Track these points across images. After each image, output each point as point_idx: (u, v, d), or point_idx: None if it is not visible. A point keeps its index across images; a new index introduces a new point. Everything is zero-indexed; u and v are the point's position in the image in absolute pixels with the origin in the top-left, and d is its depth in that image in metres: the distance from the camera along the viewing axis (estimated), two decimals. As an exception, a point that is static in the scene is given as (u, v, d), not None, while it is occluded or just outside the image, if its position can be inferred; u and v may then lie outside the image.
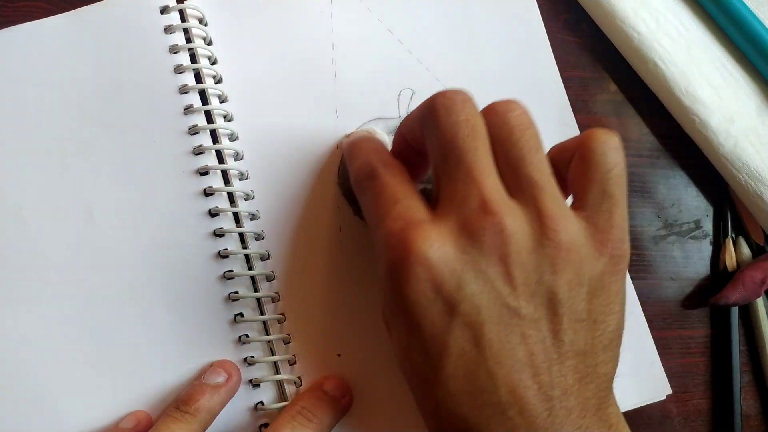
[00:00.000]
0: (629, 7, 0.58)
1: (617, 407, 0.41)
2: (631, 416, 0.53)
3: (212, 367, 0.49)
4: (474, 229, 0.38)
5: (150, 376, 0.50)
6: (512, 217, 0.38)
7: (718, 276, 0.59)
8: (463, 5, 0.56)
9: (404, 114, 0.53)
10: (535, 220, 0.39)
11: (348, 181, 0.51)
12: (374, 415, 0.52)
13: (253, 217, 0.51)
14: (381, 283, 0.40)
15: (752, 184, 0.57)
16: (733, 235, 0.60)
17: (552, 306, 0.38)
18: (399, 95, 0.54)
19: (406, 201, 0.40)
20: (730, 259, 0.59)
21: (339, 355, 0.52)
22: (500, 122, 0.41)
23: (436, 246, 0.37)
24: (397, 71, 0.54)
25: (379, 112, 0.53)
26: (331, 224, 0.52)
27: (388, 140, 0.51)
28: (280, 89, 0.53)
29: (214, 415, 0.48)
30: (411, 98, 0.53)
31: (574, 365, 0.38)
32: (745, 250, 0.59)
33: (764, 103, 0.59)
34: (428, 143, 0.41)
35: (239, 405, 0.49)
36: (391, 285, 0.38)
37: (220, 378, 0.49)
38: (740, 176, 0.57)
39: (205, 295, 0.50)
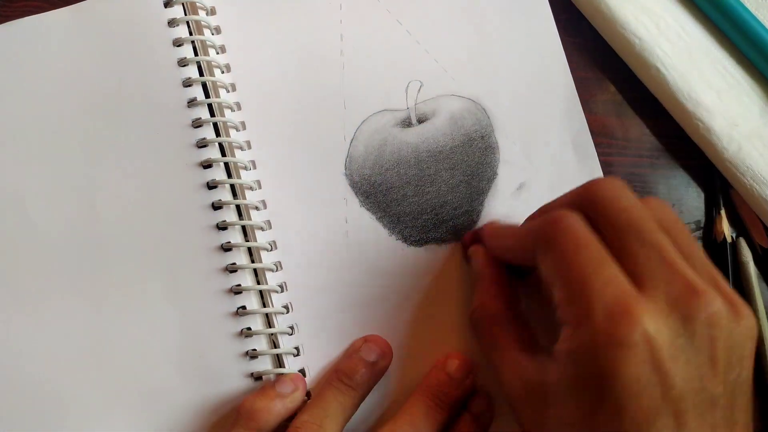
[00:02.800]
0: (629, 12, 0.59)
1: None
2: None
3: (367, 342, 0.52)
4: (685, 312, 0.38)
5: (151, 370, 0.51)
6: (718, 300, 0.38)
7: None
8: (473, -4, 0.58)
9: (412, 105, 0.55)
10: (726, 305, 0.39)
11: (355, 172, 0.52)
12: (382, 405, 0.53)
13: (258, 208, 0.52)
14: (575, 355, 0.39)
15: (757, 187, 0.58)
16: (734, 235, 0.60)
17: (737, 392, 0.39)
18: (407, 87, 0.55)
19: (612, 266, 0.39)
20: (726, 229, 0.60)
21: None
22: (663, 212, 0.42)
23: (655, 325, 0.37)
24: (405, 62, 0.56)
25: (387, 104, 0.55)
26: (338, 215, 0.54)
27: None
28: (288, 79, 0.55)
29: (370, 390, 0.51)
30: (419, 90, 0.55)
31: None
32: (746, 252, 0.60)
33: (767, 106, 0.60)
34: (601, 226, 0.42)
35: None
36: (599, 359, 0.37)
37: (375, 356, 0.51)
38: (745, 180, 0.58)
39: (208, 287, 0.52)
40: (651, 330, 0.37)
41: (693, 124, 0.59)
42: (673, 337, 0.37)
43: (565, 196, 0.45)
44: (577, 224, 0.41)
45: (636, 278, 0.39)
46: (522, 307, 0.50)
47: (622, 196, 0.42)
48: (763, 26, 0.59)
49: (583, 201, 0.43)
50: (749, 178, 0.58)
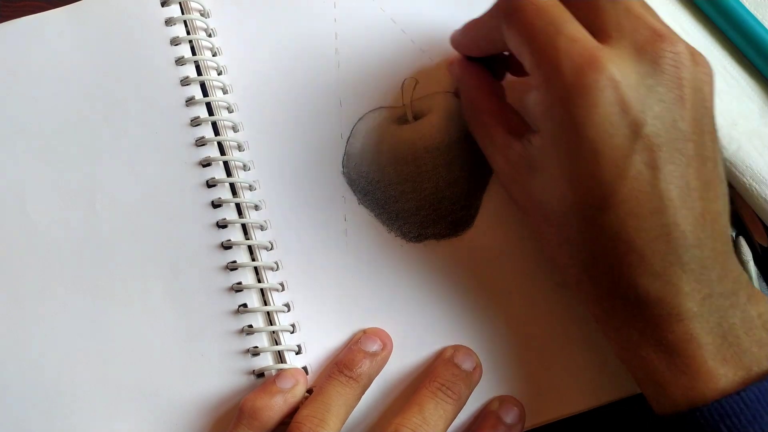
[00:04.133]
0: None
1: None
2: (632, 414, 0.54)
3: (366, 334, 0.53)
4: (652, 54, 0.41)
5: (153, 368, 0.52)
6: (681, 43, 0.42)
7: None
8: (467, -6, 0.58)
9: (408, 102, 0.56)
10: (687, 49, 0.42)
11: (352, 170, 0.52)
12: (385, 402, 0.53)
13: (257, 207, 0.53)
14: (549, 113, 0.42)
15: (756, 187, 0.58)
16: (734, 235, 0.60)
17: (705, 130, 0.42)
18: (403, 84, 0.56)
19: (574, 23, 0.42)
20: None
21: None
22: None
23: (621, 69, 0.40)
24: (400, 60, 0.56)
25: (383, 101, 0.55)
26: (336, 213, 0.54)
27: None
28: (284, 79, 0.56)
29: (371, 381, 0.52)
30: (415, 87, 0.55)
31: (714, 196, 0.43)
32: (746, 251, 0.60)
33: (767, 105, 0.60)
34: None
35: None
36: (570, 109, 0.40)
37: (376, 346, 0.52)
38: (744, 179, 0.58)
39: (208, 285, 0.52)
40: (616, 74, 0.40)
41: (692, 124, 0.59)
42: (640, 78, 0.40)
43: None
44: None
45: (602, 33, 0.42)
46: (506, 97, 0.53)
47: None
48: (762, 26, 0.59)
49: None
50: (749, 178, 0.58)
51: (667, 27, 0.43)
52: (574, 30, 0.41)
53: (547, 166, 0.44)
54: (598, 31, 0.42)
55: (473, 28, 0.50)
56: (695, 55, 0.42)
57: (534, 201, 0.46)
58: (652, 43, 0.41)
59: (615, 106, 0.39)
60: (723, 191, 0.44)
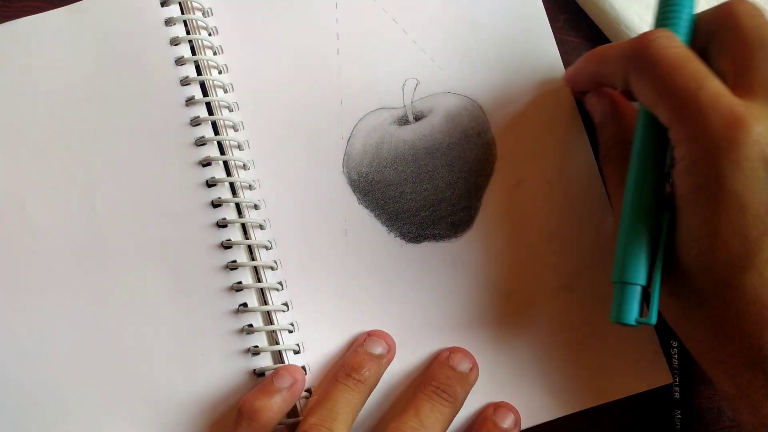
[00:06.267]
0: (634, 12, 0.59)
1: None
2: (633, 415, 0.54)
3: (371, 336, 0.53)
4: None
5: (153, 368, 0.53)
6: None
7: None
8: (468, -5, 0.59)
9: (409, 103, 0.56)
10: None
11: (353, 170, 0.53)
12: (383, 405, 0.54)
13: (256, 207, 0.54)
14: (695, 167, 0.41)
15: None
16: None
17: None
18: (404, 85, 0.56)
19: (715, 79, 0.42)
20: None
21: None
22: None
23: (766, 127, 0.40)
24: (401, 61, 0.56)
25: (383, 102, 0.56)
26: (336, 213, 0.55)
27: None
28: (285, 79, 0.56)
29: (375, 385, 0.52)
30: (416, 87, 0.56)
31: None
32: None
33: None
34: (725, 43, 0.44)
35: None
36: (717, 163, 0.40)
37: (381, 349, 0.52)
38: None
39: (209, 285, 0.53)
40: (762, 132, 0.39)
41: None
42: None
43: (699, 13, 0.47)
44: (671, 41, 0.43)
45: (747, 89, 0.41)
46: None
47: (759, 14, 0.44)
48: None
49: (718, 15, 0.45)
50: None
51: None
52: (715, 85, 0.41)
53: (685, 222, 0.43)
54: (744, 86, 0.41)
55: (594, 62, 0.51)
56: None
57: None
58: None
59: (761, 162, 0.39)
60: None
